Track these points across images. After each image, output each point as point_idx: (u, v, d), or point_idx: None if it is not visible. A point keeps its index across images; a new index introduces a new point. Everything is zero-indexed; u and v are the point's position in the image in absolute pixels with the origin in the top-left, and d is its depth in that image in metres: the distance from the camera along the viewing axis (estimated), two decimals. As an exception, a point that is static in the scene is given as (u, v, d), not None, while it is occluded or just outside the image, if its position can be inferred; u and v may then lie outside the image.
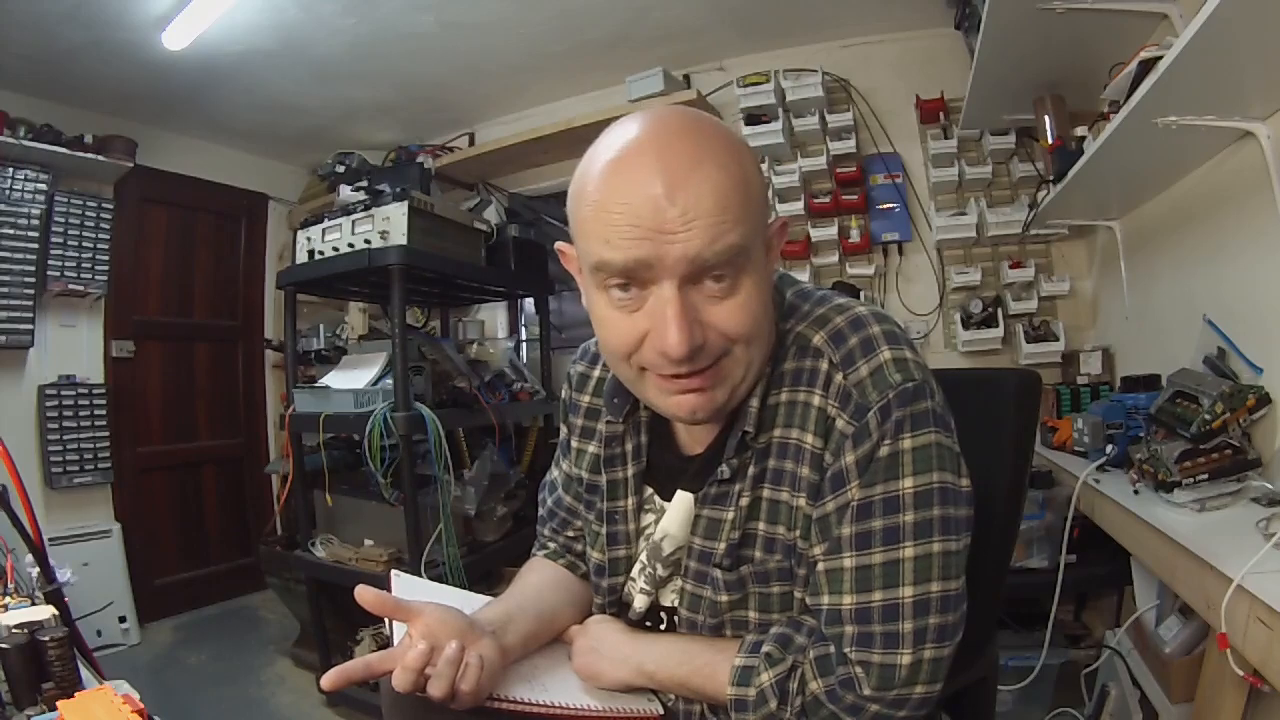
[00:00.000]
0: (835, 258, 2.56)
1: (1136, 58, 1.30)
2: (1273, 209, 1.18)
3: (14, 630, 0.86)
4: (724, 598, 0.71)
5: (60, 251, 2.64)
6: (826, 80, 2.48)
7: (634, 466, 0.80)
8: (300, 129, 3.14)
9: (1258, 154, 1.22)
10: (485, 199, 3.03)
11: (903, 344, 0.66)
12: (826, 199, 2.54)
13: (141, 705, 0.78)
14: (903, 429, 0.63)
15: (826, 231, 2.53)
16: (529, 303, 3.21)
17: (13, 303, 2.49)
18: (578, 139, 2.56)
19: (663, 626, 0.78)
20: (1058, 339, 2.25)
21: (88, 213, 2.70)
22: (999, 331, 2.33)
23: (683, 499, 0.75)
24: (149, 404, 3.09)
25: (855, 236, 2.51)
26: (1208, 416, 1.19)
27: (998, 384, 0.91)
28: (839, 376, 0.66)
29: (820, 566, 0.66)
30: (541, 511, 0.95)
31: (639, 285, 0.61)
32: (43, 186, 2.56)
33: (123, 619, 2.73)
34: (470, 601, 0.83)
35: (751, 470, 0.70)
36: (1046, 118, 1.86)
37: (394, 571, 0.81)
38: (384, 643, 2.33)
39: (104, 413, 2.77)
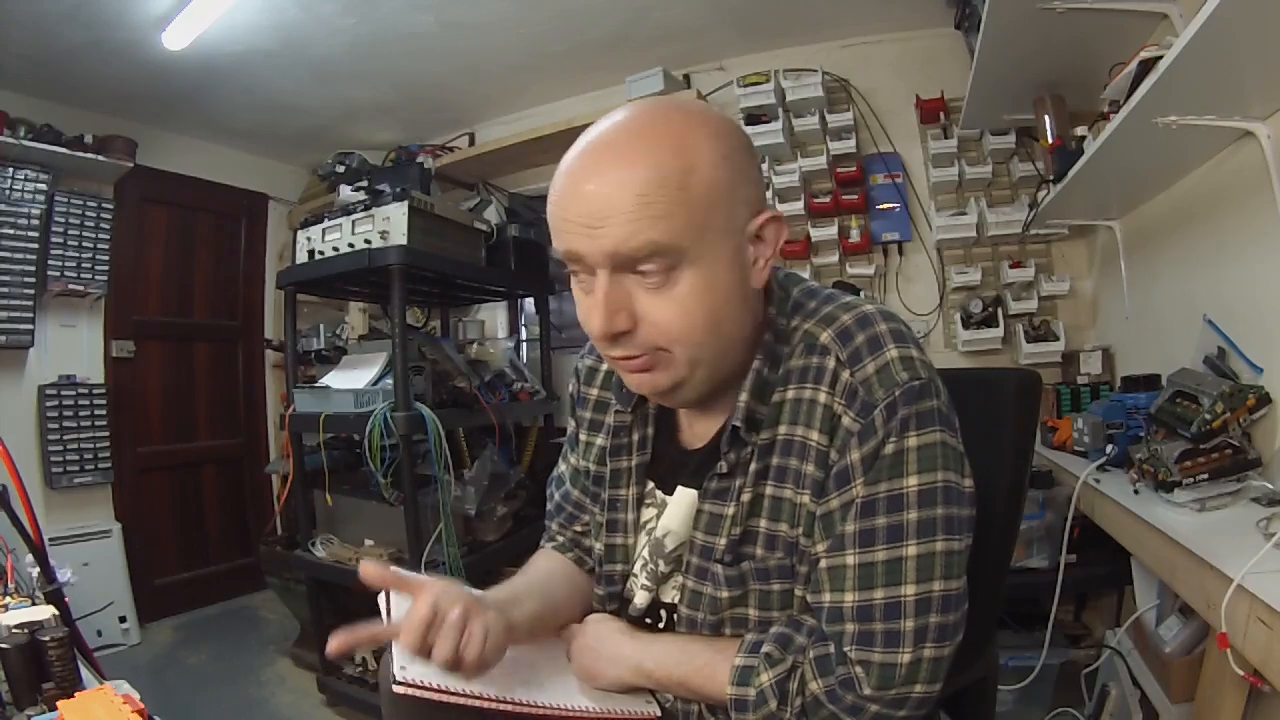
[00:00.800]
0: (835, 257, 2.56)
1: (1136, 57, 1.30)
2: (1273, 209, 1.18)
3: (14, 630, 0.87)
4: (724, 594, 0.71)
5: (60, 251, 2.64)
6: (826, 80, 2.48)
7: (638, 457, 0.80)
8: (300, 129, 3.14)
9: (1258, 154, 1.22)
10: (485, 199, 3.03)
11: (909, 343, 0.66)
12: (826, 199, 2.54)
13: (141, 705, 0.78)
14: (908, 427, 0.63)
15: (826, 231, 2.53)
16: (529, 303, 3.21)
17: (13, 303, 2.49)
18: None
19: (662, 625, 0.79)
20: (1058, 339, 2.24)
21: (88, 213, 2.70)
22: (999, 331, 2.33)
23: (685, 495, 0.76)
24: (149, 404, 3.09)
25: (855, 236, 2.51)
26: (1208, 416, 1.19)
27: (998, 384, 0.91)
28: (846, 374, 0.66)
29: (823, 563, 0.66)
30: (550, 506, 0.96)
31: (587, 270, 0.64)
32: (43, 186, 2.56)
33: (123, 619, 2.73)
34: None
35: (754, 466, 0.70)
36: (1046, 117, 1.85)
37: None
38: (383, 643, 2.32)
39: (104, 413, 2.77)
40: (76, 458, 2.69)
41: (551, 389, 2.74)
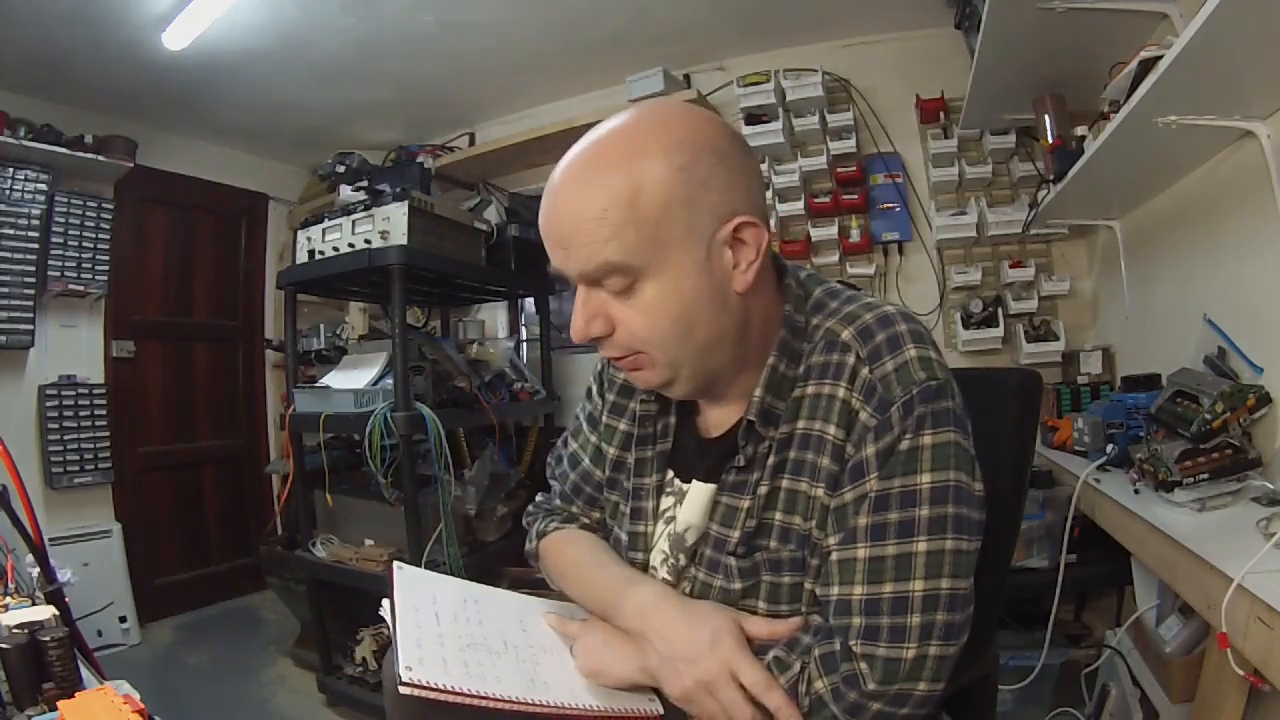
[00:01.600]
0: (835, 257, 2.56)
1: (1137, 57, 1.30)
2: (1273, 208, 1.18)
3: (14, 630, 0.87)
4: (736, 585, 0.72)
5: (60, 251, 2.64)
6: (826, 80, 2.48)
7: (660, 445, 0.82)
8: (300, 129, 3.14)
9: (1258, 153, 1.22)
10: (485, 199, 3.03)
11: (928, 343, 0.68)
12: (827, 199, 2.54)
13: (142, 705, 0.78)
14: (924, 425, 0.64)
15: (827, 231, 2.53)
16: (529, 302, 3.21)
17: (13, 303, 2.49)
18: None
19: None
20: (1058, 338, 2.24)
21: (88, 213, 2.70)
22: (999, 331, 2.33)
23: (703, 489, 0.77)
24: (149, 404, 3.09)
25: (855, 236, 2.52)
26: (1208, 416, 1.19)
27: (998, 384, 0.91)
28: (865, 371, 0.67)
29: (834, 556, 0.67)
30: (562, 487, 0.95)
31: (572, 283, 0.70)
32: (43, 187, 2.56)
33: (123, 619, 2.73)
34: (471, 592, 0.84)
35: (772, 460, 0.71)
36: (1046, 117, 1.86)
37: (395, 564, 0.81)
38: (384, 642, 2.34)
39: (104, 413, 2.77)
40: (77, 458, 2.69)
41: (552, 389, 2.74)
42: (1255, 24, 0.97)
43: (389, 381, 2.02)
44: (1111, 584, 1.79)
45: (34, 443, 2.63)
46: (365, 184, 2.22)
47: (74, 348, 2.78)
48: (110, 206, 2.78)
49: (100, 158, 2.69)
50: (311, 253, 2.16)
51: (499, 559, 2.25)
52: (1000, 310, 2.34)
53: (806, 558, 0.70)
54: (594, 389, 0.93)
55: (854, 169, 2.52)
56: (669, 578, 0.79)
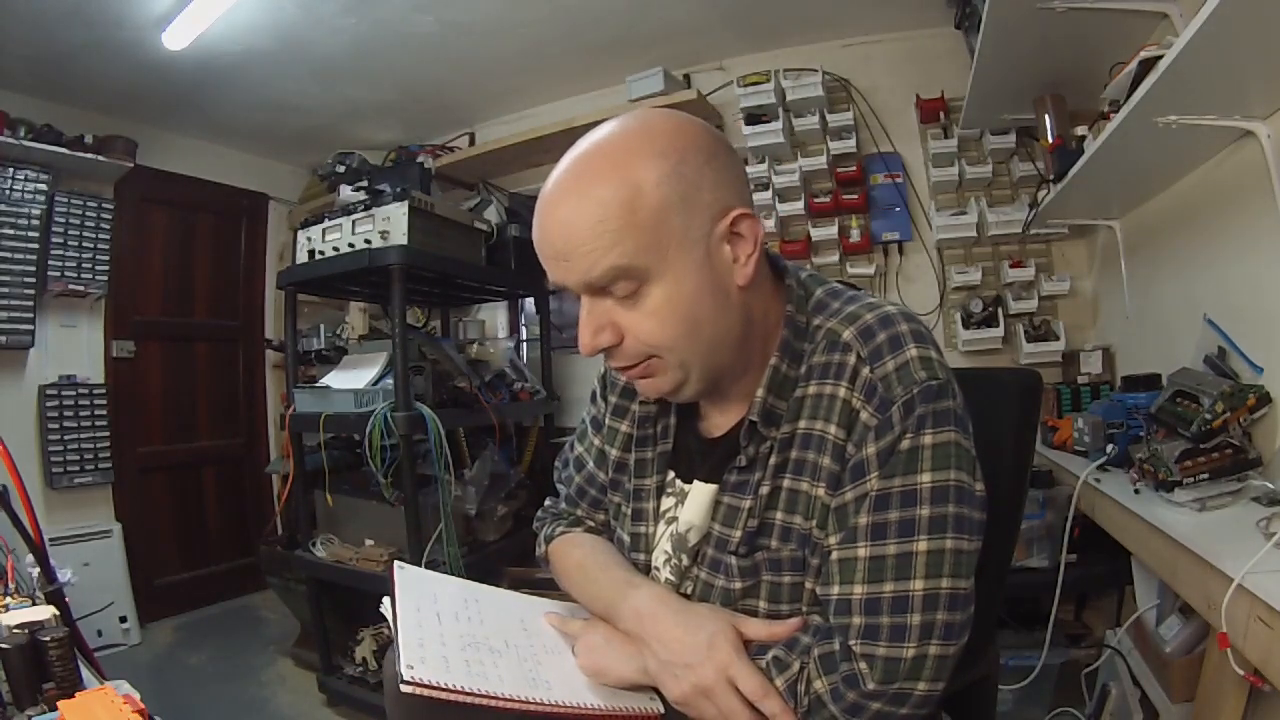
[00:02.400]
0: (835, 257, 2.56)
1: (1137, 57, 1.30)
2: (1273, 208, 1.18)
3: (15, 630, 0.86)
4: (737, 584, 0.72)
5: (60, 251, 2.64)
6: (826, 80, 2.48)
7: (661, 446, 0.82)
8: (300, 129, 3.14)
9: (1258, 153, 1.22)
10: (486, 199, 3.03)
11: (929, 344, 0.68)
12: (827, 198, 2.54)
13: (142, 705, 0.78)
14: (924, 425, 0.64)
15: (827, 231, 2.53)
16: (529, 302, 3.21)
17: (13, 303, 2.49)
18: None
19: None
20: (1058, 338, 2.24)
21: (88, 213, 2.70)
22: (999, 331, 2.33)
23: (705, 489, 0.77)
24: (149, 404, 3.09)
25: (855, 236, 2.51)
26: (1208, 416, 1.19)
27: (998, 383, 0.91)
28: (866, 370, 0.67)
29: (834, 555, 0.67)
30: (568, 490, 0.95)
31: (574, 295, 0.70)
32: (43, 187, 2.56)
33: (123, 619, 2.73)
34: (472, 592, 0.84)
35: (773, 460, 0.71)
36: (1047, 117, 1.85)
37: (396, 563, 0.81)
38: (384, 642, 2.34)
39: (104, 413, 2.77)
40: (77, 458, 2.69)
41: (552, 389, 2.74)
42: (1255, 24, 0.97)
43: (389, 381, 2.02)
44: (1111, 584, 1.79)
45: (34, 443, 2.63)
46: (365, 184, 2.22)
47: (74, 348, 2.78)
48: (110, 206, 2.78)
49: (100, 158, 2.69)
50: (311, 253, 2.16)
51: (499, 559, 2.25)
52: (1000, 310, 2.34)
53: (807, 557, 0.70)
54: (597, 392, 0.93)
55: (854, 169, 2.51)
56: (672, 578, 0.79)
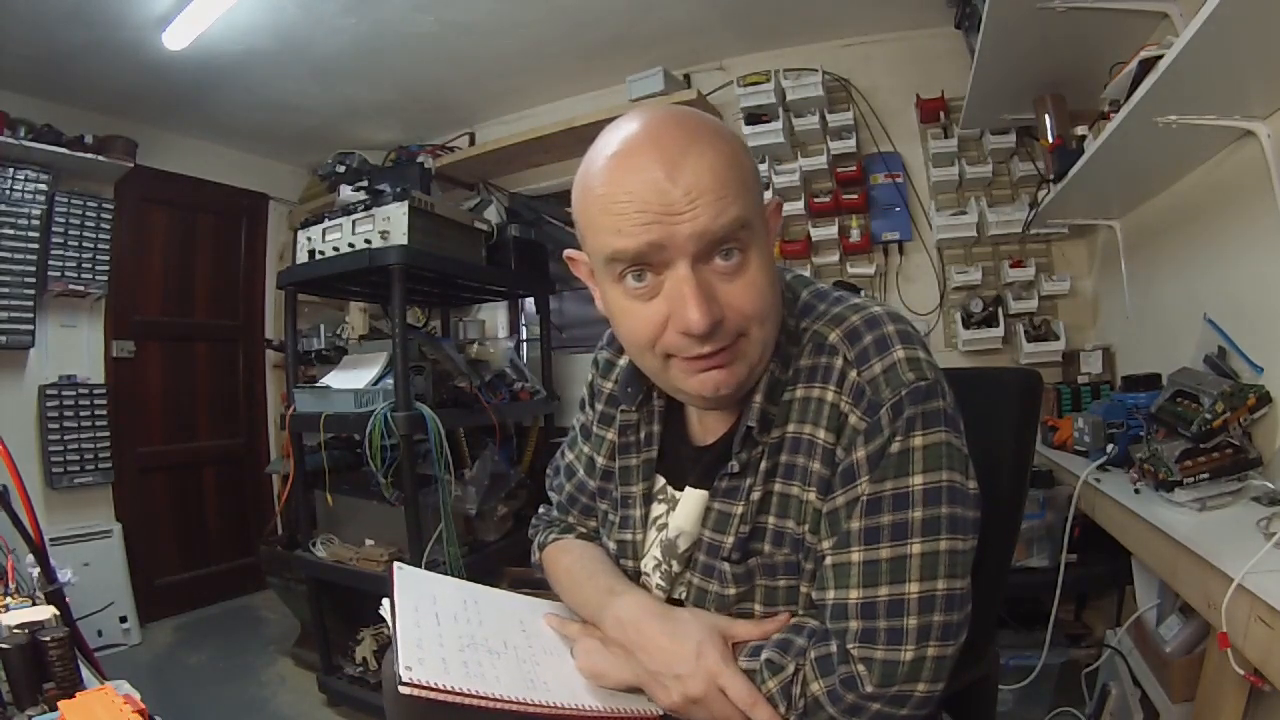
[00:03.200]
0: (836, 257, 2.56)
1: (1137, 57, 1.30)
2: (1273, 208, 1.18)
3: (15, 630, 0.86)
4: (731, 591, 0.72)
5: (60, 251, 2.64)
6: (826, 80, 2.48)
7: (644, 454, 0.82)
8: (300, 129, 3.14)
9: (1258, 153, 1.22)
10: (486, 199, 3.03)
11: (916, 344, 0.67)
12: (827, 198, 2.54)
13: (142, 705, 0.78)
14: (914, 426, 0.64)
15: (827, 231, 2.53)
16: (529, 302, 3.21)
17: (13, 303, 2.49)
18: (578, 139, 2.56)
19: None
20: (1058, 338, 2.24)
21: (88, 213, 2.70)
22: (999, 331, 2.32)
23: (695, 495, 0.77)
24: (149, 404, 3.09)
25: (856, 236, 2.51)
26: (1208, 415, 1.19)
27: (998, 383, 0.91)
28: (853, 373, 0.67)
29: (828, 560, 0.66)
30: (559, 498, 0.96)
31: (654, 270, 0.63)
32: (43, 187, 2.56)
33: (123, 619, 2.73)
34: (471, 593, 0.84)
35: (764, 465, 0.71)
36: (1047, 117, 1.85)
37: (395, 564, 0.81)
38: (384, 642, 2.34)
39: (104, 413, 2.77)
40: (77, 458, 2.69)
41: (552, 389, 2.74)
42: (1255, 24, 0.97)
43: (389, 381, 2.02)
44: (1111, 584, 1.79)
45: (34, 443, 2.63)
46: (365, 184, 2.22)
47: (74, 348, 2.78)
48: (110, 206, 2.78)
49: (100, 158, 2.69)
50: (311, 253, 2.16)
51: (499, 559, 2.25)
52: (1000, 310, 2.34)
53: (801, 561, 0.70)
54: (586, 400, 0.93)
55: (854, 169, 2.51)
56: (663, 584, 0.79)
